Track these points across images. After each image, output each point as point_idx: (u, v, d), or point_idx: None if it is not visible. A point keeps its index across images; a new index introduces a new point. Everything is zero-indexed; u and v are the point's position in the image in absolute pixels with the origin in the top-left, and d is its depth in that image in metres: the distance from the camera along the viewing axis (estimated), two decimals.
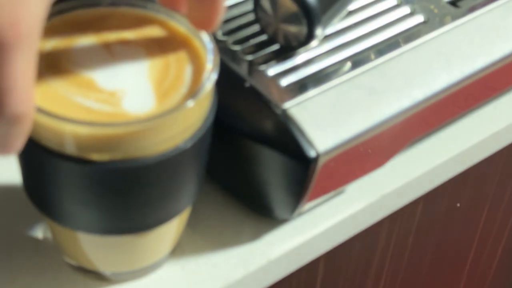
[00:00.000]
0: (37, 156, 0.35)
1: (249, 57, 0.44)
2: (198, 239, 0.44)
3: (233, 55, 0.44)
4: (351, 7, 0.47)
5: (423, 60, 0.45)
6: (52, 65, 0.36)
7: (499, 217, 0.67)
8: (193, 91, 0.36)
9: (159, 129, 0.34)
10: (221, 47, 0.44)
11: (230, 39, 0.45)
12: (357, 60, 0.45)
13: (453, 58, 0.46)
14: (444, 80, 0.45)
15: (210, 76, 0.37)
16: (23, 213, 0.44)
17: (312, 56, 0.44)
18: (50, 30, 0.38)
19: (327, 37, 0.46)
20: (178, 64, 0.38)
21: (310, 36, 0.43)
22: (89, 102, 0.35)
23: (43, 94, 0.35)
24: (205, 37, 0.38)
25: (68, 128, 0.33)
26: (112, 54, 0.38)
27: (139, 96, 0.36)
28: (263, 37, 0.45)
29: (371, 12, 0.48)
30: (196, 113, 0.36)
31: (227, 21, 0.46)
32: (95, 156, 0.34)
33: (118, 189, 0.35)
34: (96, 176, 0.34)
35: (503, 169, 0.61)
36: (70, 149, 0.34)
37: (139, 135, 0.34)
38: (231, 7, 0.47)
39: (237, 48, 0.44)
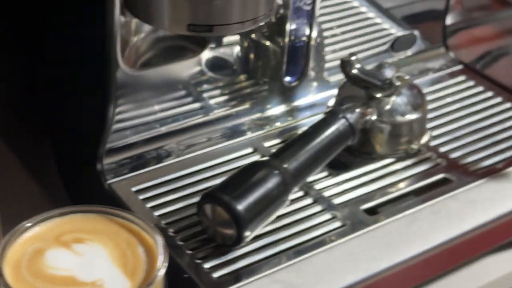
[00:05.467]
0: None
1: (191, 252, 0.54)
2: None
3: (179, 249, 0.55)
4: (280, 212, 0.58)
5: (335, 260, 0.55)
6: (34, 271, 0.46)
7: None
8: (149, 276, 0.46)
9: None
10: (170, 242, 0.55)
11: (178, 236, 0.56)
12: (279, 257, 0.55)
13: (361, 260, 0.56)
14: (350, 279, 0.55)
15: (161, 270, 0.47)
16: None
17: (241, 253, 0.55)
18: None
19: (258, 237, 0.56)
20: (131, 249, 0.48)
21: (239, 238, 0.53)
22: None
23: None
24: (157, 235, 0.49)
25: None
26: (79, 253, 0.48)
27: (115, 280, 0.46)
28: (205, 235, 0.56)
29: (296, 217, 0.58)
30: None
31: (177, 220, 0.57)
32: None
33: None
34: None
35: None
36: None
37: None
38: (183, 208, 0.58)
39: (181, 243, 0.55)
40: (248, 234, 0.54)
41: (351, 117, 0.62)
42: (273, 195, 0.55)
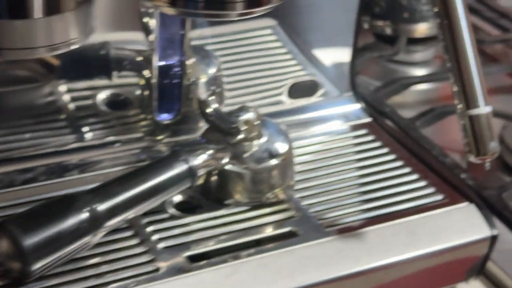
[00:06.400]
0: None
1: None
2: None
3: None
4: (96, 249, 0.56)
5: None
6: None
7: None
8: None
9: None
10: None
11: None
12: None
13: None
14: None
15: None
16: None
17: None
18: None
19: (60, 273, 0.54)
20: None
21: (24, 273, 0.52)
22: None
23: None
24: None
25: None
26: None
27: None
28: None
29: (112, 256, 0.56)
30: None
31: None
32: None
33: None
34: None
35: None
36: None
37: None
38: None
39: None
40: (37, 269, 0.52)
41: (193, 159, 0.60)
42: (73, 232, 0.53)
